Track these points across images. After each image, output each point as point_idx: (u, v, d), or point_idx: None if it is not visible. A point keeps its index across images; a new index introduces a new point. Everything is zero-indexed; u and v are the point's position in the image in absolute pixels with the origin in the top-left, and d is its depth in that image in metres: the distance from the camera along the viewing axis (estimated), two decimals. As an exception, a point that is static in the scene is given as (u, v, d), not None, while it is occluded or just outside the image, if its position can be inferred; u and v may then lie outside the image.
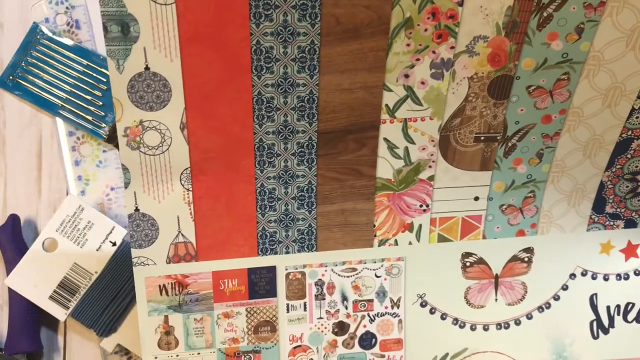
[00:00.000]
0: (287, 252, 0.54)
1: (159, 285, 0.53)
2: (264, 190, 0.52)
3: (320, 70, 0.47)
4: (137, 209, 0.50)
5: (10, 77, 0.58)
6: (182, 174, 0.50)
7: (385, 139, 0.51)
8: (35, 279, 0.58)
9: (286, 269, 0.55)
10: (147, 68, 0.45)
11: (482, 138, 0.53)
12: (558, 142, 0.54)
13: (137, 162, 0.49)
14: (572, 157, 0.55)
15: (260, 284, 0.54)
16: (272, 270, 0.54)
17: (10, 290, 0.58)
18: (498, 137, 0.53)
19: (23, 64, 0.58)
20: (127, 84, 0.46)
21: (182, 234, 0.52)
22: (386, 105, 0.50)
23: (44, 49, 0.57)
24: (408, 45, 0.47)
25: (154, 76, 0.46)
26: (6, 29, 0.58)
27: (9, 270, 0.58)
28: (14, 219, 0.59)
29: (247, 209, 0.52)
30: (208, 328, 0.54)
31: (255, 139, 0.50)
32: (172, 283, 0.53)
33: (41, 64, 0.58)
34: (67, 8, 0.57)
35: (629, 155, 0.55)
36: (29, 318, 0.59)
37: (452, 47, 0.48)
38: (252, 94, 0.48)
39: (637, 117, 0.53)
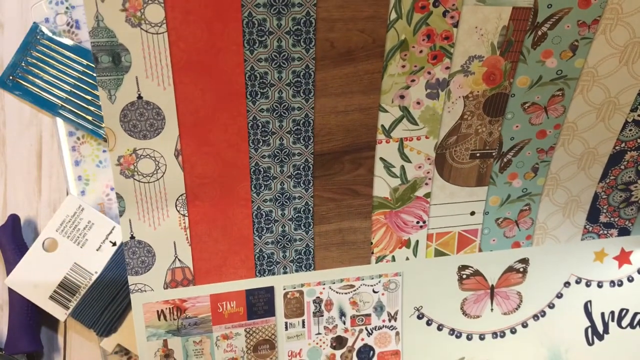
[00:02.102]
0: (285, 272, 0.54)
1: (157, 311, 0.52)
2: (261, 213, 0.51)
3: (316, 94, 0.47)
4: (132, 237, 0.50)
5: (10, 77, 0.57)
6: (177, 200, 0.49)
7: (381, 158, 0.51)
8: (35, 279, 0.57)
9: (284, 289, 0.54)
10: (139, 97, 0.45)
11: (478, 155, 0.53)
12: (553, 156, 0.54)
13: (132, 190, 0.48)
14: (566, 170, 0.55)
15: (259, 304, 0.54)
16: (270, 290, 0.54)
17: (10, 290, 0.58)
18: (494, 154, 0.53)
19: (23, 64, 0.57)
20: (119, 114, 0.45)
21: (178, 259, 0.51)
22: (382, 125, 0.49)
23: (44, 49, 0.57)
24: (403, 66, 0.47)
25: (147, 105, 0.45)
26: (6, 29, 0.57)
27: (9, 270, 0.58)
28: (14, 219, 0.59)
29: (244, 231, 0.51)
30: (207, 349, 0.54)
31: (251, 163, 0.49)
32: (170, 308, 0.52)
33: (41, 64, 0.57)
34: (67, 8, 0.56)
35: (622, 167, 0.56)
36: (29, 318, 0.59)
37: (448, 68, 0.47)
38: (247, 119, 0.47)
39: (630, 130, 0.53)
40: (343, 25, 0.44)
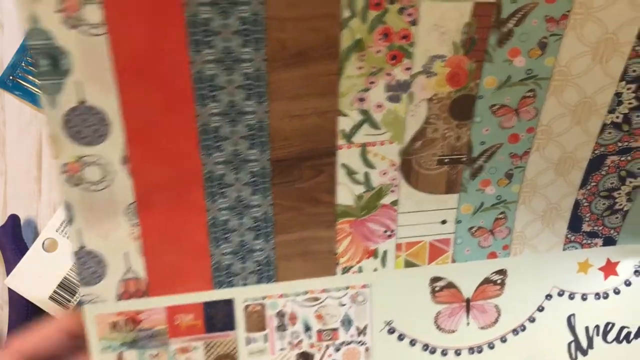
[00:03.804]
0: (245, 284, 0.51)
1: (110, 323, 0.50)
2: (217, 222, 0.49)
3: (269, 97, 0.45)
4: (82, 247, 0.47)
5: (10, 77, 0.57)
6: (127, 208, 0.47)
7: (343, 164, 0.49)
8: (35, 279, 0.56)
9: (245, 302, 0.52)
10: (82, 102, 0.43)
11: (446, 160, 0.50)
12: (528, 162, 0.51)
13: (80, 199, 0.46)
14: (543, 176, 0.52)
15: (218, 317, 0.52)
16: (229, 303, 0.52)
17: (10, 290, 0.57)
18: (463, 159, 0.50)
19: (23, 64, 0.57)
20: (62, 120, 0.43)
21: (131, 270, 0.49)
22: (342, 130, 0.47)
23: None
24: (360, 68, 0.44)
25: (90, 110, 0.43)
26: (6, 29, 0.58)
27: (9, 270, 0.57)
28: (14, 219, 0.58)
29: (200, 242, 0.49)
30: (166, 364, 0.52)
31: (204, 170, 0.47)
32: (124, 320, 0.50)
33: None
34: None
35: (603, 172, 0.53)
36: (29, 318, 0.58)
37: (408, 68, 0.45)
38: (197, 124, 0.45)
39: (609, 133, 0.50)
40: (294, 25, 0.42)
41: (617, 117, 0.49)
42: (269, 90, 0.44)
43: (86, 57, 0.41)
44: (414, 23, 0.43)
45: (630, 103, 0.49)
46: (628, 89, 0.48)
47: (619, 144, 0.51)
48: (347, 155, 0.48)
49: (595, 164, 0.52)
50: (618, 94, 0.48)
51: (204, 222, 0.49)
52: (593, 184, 0.53)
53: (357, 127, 0.47)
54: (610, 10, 0.44)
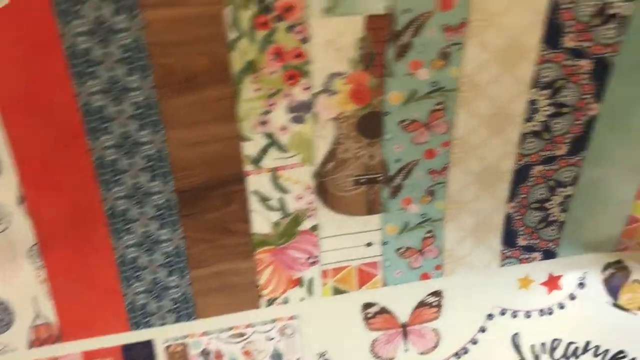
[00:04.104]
0: (164, 324, 0.49)
1: (23, 373, 0.48)
2: (126, 260, 0.47)
3: (165, 126, 0.43)
4: (-17, 294, 0.45)
5: None
6: (30, 250, 0.45)
7: (255, 191, 0.47)
8: None
9: (165, 342, 0.50)
10: (-34, 142, 0.41)
11: (363, 180, 0.48)
12: (448, 177, 0.49)
13: (-23, 243, 0.44)
14: (467, 190, 0.50)
15: (138, 360, 0.49)
16: (149, 344, 0.49)
17: None
18: (379, 178, 0.48)
19: None
20: (-54, 161, 0.41)
21: (41, 315, 0.47)
22: (248, 155, 0.45)
23: None
24: (257, 90, 0.43)
25: (-23, 150, 0.41)
26: None
27: None
28: None
29: (110, 281, 0.47)
30: (86, 413, 0.49)
31: (105, 206, 0.45)
32: (37, 369, 0.48)
33: None
34: None
35: (530, 183, 0.51)
36: None
37: (307, 88, 0.43)
38: (92, 158, 0.43)
39: (530, 142, 0.48)
40: (178, 49, 0.41)
41: (536, 126, 0.48)
42: (163, 119, 0.43)
43: (-35, 96, 0.40)
44: (305, 41, 0.41)
45: (546, 110, 0.47)
46: (542, 95, 0.46)
47: (542, 153, 0.49)
48: (257, 182, 0.47)
49: (521, 175, 0.50)
50: (533, 102, 0.46)
51: (112, 260, 0.47)
52: (522, 195, 0.51)
53: (263, 152, 0.45)
54: (510, 15, 0.42)
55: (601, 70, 0.45)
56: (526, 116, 0.47)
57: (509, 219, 0.52)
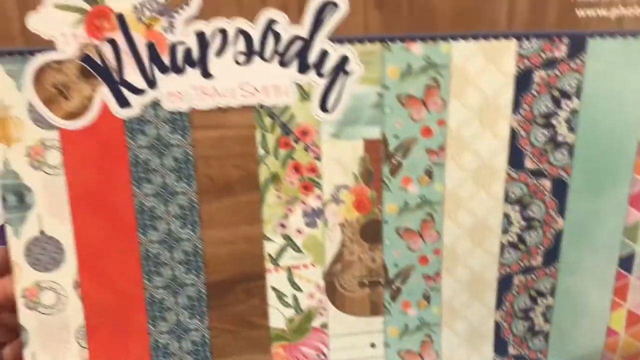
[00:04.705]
0: (185, 411, 0.54)
1: None
2: (158, 346, 0.54)
3: (202, 225, 0.53)
4: (32, 371, 0.52)
5: None
6: (78, 332, 0.52)
7: (273, 287, 0.55)
8: None
9: None
10: (42, 232, 0.51)
11: (366, 282, 0.56)
12: (441, 283, 0.57)
13: (35, 322, 0.52)
14: (459, 297, 0.57)
15: None
16: None
17: None
18: (381, 281, 0.56)
19: None
20: (24, 248, 0.51)
21: (78, 397, 0.53)
22: (269, 254, 0.54)
23: None
24: (279, 197, 0.53)
25: (48, 239, 0.51)
26: None
27: None
28: None
29: (142, 365, 0.53)
30: None
31: (145, 294, 0.53)
32: None
33: None
34: None
35: (514, 292, 0.58)
36: None
37: (319, 197, 0.53)
38: (140, 251, 0.52)
39: (509, 253, 0.57)
40: (218, 162, 0.52)
41: (512, 237, 0.56)
42: (202, 219, 0.53)
43: (47, 193, 0.50)
44: (318, 158, 0.53)
45: (519, 223, 0.56)
46: (514, 210, 0.56)
47: (521, 263, 0.57)
48: (276, 279, 0.55)
49: (505, 285, 0.58)
50: (507, 215, 0.56)
51: (147, 345, 0.54)
52: (507, 304, 0.58)
53: (281, 251, 0.54)
54: (480, 141, 0.54)
55: (560, 189, 0.55)
56: (503, 228, 0.56)
57: (498, 327, 0.59)
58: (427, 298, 0.57)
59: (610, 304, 0.58)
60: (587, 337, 0.59)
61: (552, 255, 0.57)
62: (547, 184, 0.55)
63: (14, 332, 0.53)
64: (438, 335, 0.57)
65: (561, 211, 0.55)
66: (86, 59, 0.48)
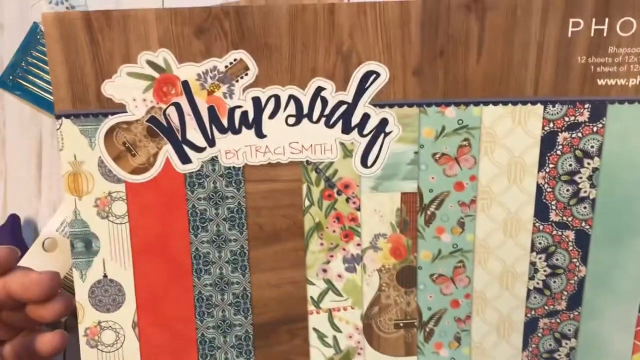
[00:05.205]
0: None
1: None
2: (208, 383, 0.58)
3: (251, 270, 0.57)
4: (92, 405, 0.56)
5: (10, 77, 0.57)
6: (134, 370, 0.57)
7: (314, 328, 0.59)
8: None
9: None
10: (105, 276, 0.55)
11: (401, 324, 0.60)
12: (471, 325, 0.61)
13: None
14: (487, 339, 0.61)
15: None
16: None
17: None
18: (415, 323, 0.60)
19: (23, 64, 0.57)
20: (88, 290, 0.55)
21: None
22: (311, 297, 0.58)
23: (44, 49, 0.56)
24: (322, 244, 0.57)
25: (111, 282, 0.56)
26: (6, 29, 0.58)
27: None
28: (14, 219, 0.59)
29: (193, 401, 0.57)
30: None
31: (197, 334, 0.57)
32: None
33: (41, 64, 0.58)
34: (67, 8, 0.57)
35: (539, 334, 0.62)
36: None
37: (359, 244, 0.58)
38: (194, 293, 0.57)
39: (534, 297, 0.61)
40: (268, 212, 0.56)
41: (538, 283, 0.60)
42: (251, 264, 0.57)
43: (111, 240, 0.55)
44: (358, 209, 0.57)
45: (545, 270, 0.60)
46: (539, 258, 0.60)
47: (546, 307, 0.61)
48: (317, 320, 0.59)
49: (531, 327, 0.61)
50: (533, 263, 0.60)
51: (197, 382, 0.58)
52: (533, 345, 0.62)
53: (323, 295, 0.59)
54: (508, 194, 0.58)
55: (582, 240, 0.59)
56: (529, 275, 0.60)
57: (524, 369, 0.62)
58: (458, 339, 0.61)
59: (632, 347, 0.62)
60: (609, 379, 0.62)
61: (575, 300, 0.61)
62: (570, 235, 0.59)
63: (14, 330, 0.52)
64: (468, 375, 0.61)
65: (584, 260, 0.59)
66: (152, 120, 0.53)
